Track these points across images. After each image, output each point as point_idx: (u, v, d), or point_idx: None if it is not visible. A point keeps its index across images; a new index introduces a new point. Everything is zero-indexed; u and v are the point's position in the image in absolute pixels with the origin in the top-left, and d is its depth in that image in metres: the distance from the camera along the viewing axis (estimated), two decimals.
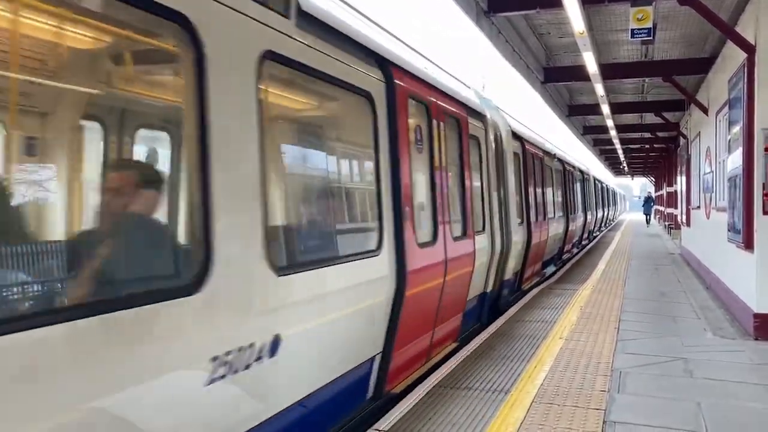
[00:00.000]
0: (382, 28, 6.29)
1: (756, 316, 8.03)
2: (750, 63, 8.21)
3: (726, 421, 5.07)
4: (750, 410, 5.35)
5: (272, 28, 3.95)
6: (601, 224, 36.31)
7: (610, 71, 13.68)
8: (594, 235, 31.17)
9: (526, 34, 12.23)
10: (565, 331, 8.27)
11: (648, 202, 45.20)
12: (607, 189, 42.91)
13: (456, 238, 7.23)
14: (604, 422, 4.98)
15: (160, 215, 3.57)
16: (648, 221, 43.41)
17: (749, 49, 8.18)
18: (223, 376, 3.30)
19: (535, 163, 13.45)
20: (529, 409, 5.24)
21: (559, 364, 6.65)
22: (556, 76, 14.73)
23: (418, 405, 5.34)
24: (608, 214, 44.00)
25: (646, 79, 15.82)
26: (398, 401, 5.43)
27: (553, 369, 6.45)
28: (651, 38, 9.28)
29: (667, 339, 7.93)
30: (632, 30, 9.25)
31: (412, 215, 5.85)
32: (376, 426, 4.87)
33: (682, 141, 20.31)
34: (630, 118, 22.89)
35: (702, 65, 13.19)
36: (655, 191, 51.17)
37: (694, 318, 9.35)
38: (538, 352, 7.18)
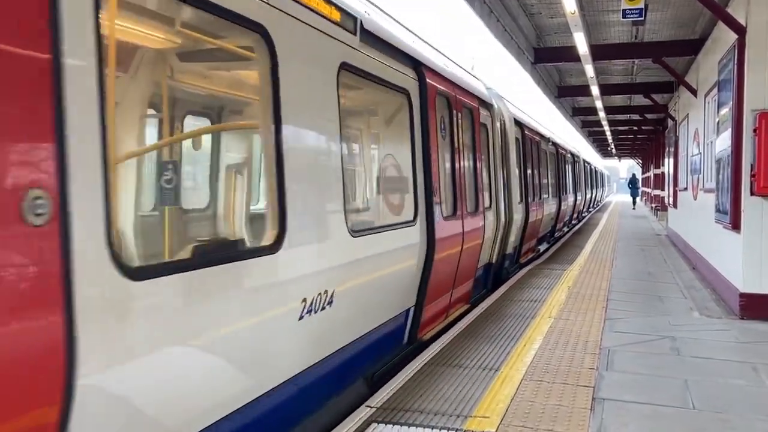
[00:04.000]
0: (408, 29, 7.13)
1: (742, 295, 8.13)
2: (740, 45, 8.24)
3: (712, 398, 5.15)
4: (735, 387, 5.44)
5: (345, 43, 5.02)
6: (590, 205, 36.72)
7: (601, 52, 13.68)
8: (583, 215, 31.51)
9: (517, 13, 12.19)
10: (554, 310, 8.35)
11: (634, 183, 42.33)
12: (596, 171, 43.06)
13: (470, 213, 8.28)
14: (593, 399, 5.05)
15: None
16: (635, 203, 41.31)
17: (740, 31, 8.19)
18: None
19: (532, 147, 14.32)
20: (519, 386, 5.30)
21: (548, 342, 6.72)
22: (546, 57, 14.70)
23: (409, 382, 5.39)
24: (596, 195, 44.25)
25: (636, 61, 15.84)
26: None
27: (542, 347, 6.52)
28: (642, 18, 9.30)
29: (654, 318, 8.02)
30: (624, 10, 9.26)
31: (440, 193, 6.95)
32: (368, 402, 4.91)
33: (670, 123, 20.39)
34: (618, 100, 22.95)
35: (692, 47, 13.22)
36: (642, 173, 51.08)
37: (680, 297, 9.46)
38: (527, 330, 7.24)
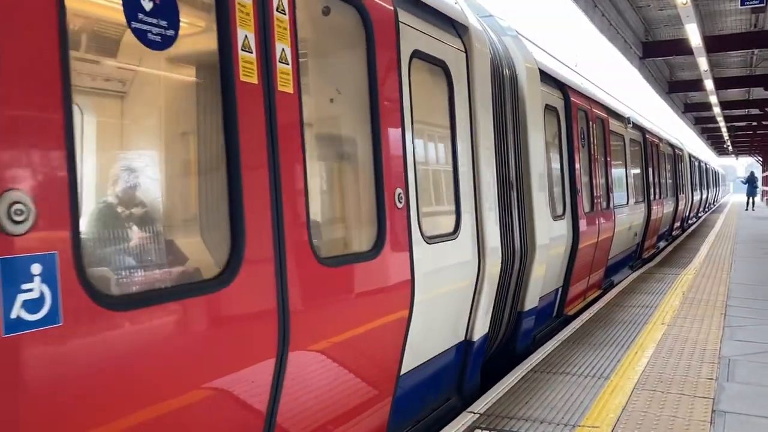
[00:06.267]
0: None
1: None
2: None
3: None
4: None
5: None
6: (698, 209, 33.30)
7: (715, 44, 12.94)
8: (689, 222, 28.50)
9: (623, 7, 11.73)
10: (667, 316, 7.93)
11: (752, 182, 37.25)
12: (706, 168, 40.04)
13: (334, 263, 3.63)
14: (712, 411, 4.73)
15: None
16: (751, 205, 36.46)
17: None
18: None
19: (591, 126, 9.43)
20: (630, 396, 5.05)
21: (662, 350, 6.38)
22: (655, 51, 14.07)
23: (513, 389, 5.25)
24: (707, 196, 41.08)
25: (756, 51, 14.87)
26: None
27: (655, 355, 6.19)
28: (763, 5, 8.70)
29: None
30: None
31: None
32: (471, 408, 4.83)
33: None
34: (736, 94, 21.68)
35: None
36: (763, 171, 47.84)
37: None
38: (638, 338, 6.91)
